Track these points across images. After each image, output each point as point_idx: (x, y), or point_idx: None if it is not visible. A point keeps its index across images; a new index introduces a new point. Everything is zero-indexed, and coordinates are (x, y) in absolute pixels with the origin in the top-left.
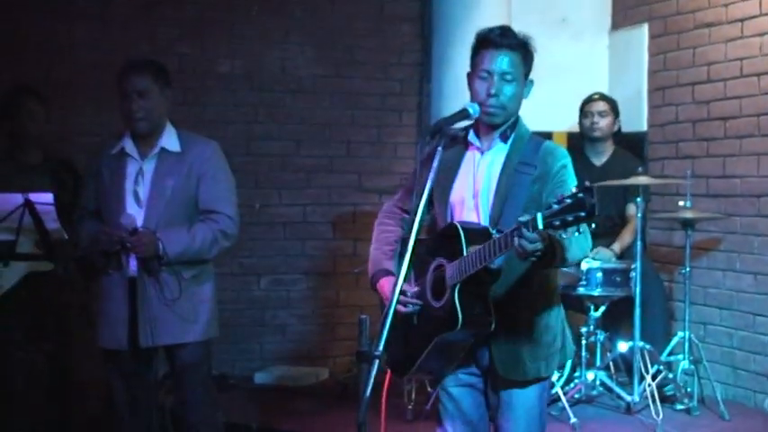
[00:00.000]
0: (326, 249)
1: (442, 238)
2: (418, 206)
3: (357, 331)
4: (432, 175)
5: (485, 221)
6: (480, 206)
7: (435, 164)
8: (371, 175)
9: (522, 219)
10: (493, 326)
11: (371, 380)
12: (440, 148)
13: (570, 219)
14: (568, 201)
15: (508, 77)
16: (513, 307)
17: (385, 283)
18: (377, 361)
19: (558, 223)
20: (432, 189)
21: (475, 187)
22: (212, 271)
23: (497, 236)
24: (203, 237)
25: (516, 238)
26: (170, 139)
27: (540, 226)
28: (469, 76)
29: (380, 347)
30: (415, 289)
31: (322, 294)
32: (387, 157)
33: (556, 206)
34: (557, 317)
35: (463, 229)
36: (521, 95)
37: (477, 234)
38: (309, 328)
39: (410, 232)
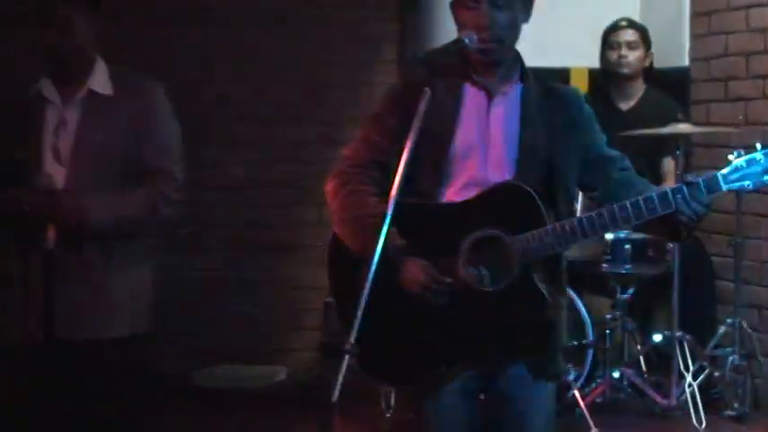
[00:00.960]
0: (288, 218)
1: (484, 203)
2: (400, 161)
3: (323, 319)
4: (416, 123)
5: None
6: (499, 162)
7: (422, 108)
8: (345, 125)
9: (693, 178)
10: (565, 312)
11: (340, 380)
12: (428, 89)
13: (748, 183)
14: (759, 157)
15: (499, 3)
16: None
17: (415, 266)
18: (347, 356)
19: (750, 186)
20: (415, 142)
21: (489, 139)
22: (151, 247)
23: (643, 197)
24: (141, 203)
25: (685, 202)
26: (101, 80)
27: (723, 186)
28: (453, 5)
29: (352, 338)
30: (447, 279)
31: (281, 274)
32: (363, 102)
33: (742, 164)
34: (559, 305)
35: (535, 191)
36: (518, 22)
37: (540, 198)
38: (264, 315)
39: (389, 193)
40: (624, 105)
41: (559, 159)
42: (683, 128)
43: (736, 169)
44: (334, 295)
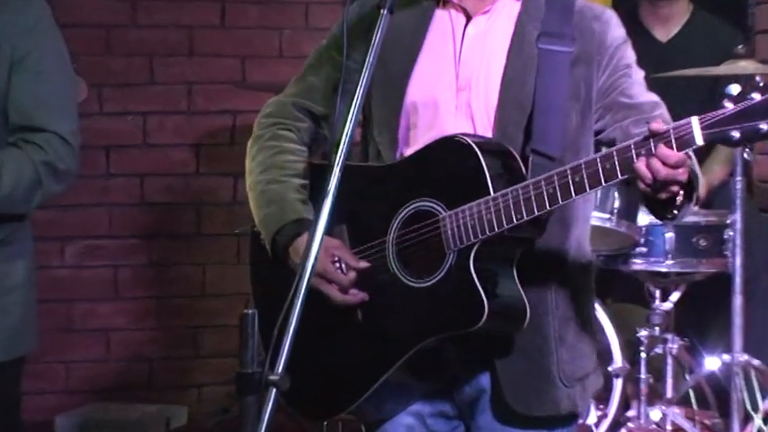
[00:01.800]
0: (183, 193)
1: (420, 165)
2: (349, 110)
3: (238, 339)
4: (372, 55)
5: (484, 134)
6: (475, 109)
7: (378, 37)
8: (262, 62)
9: (653, 126)
10: (527, 318)
11: (265, 424)
12: (385, 11)
13: (764, 129)
14: (764, 94)
15: None
16: (538, 291)
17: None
18: (274, 390)
19: (738, 135)
20: (370, 79)
21: (460, 75)
22: (29, 236)
23: (537, 161)
24: (16, 174)
25: (644, 159)
26: None
27: (700, 140)
28: None
29: (280, 366)
30: (361, 262)
31: (175, 274)
32: (288, 28)
33: (731, 104)
34: (592, 309)
35: (479, 147)
36: None
37: (499, 159)
38: (152, 334)
39: (331, 157)
40: (663, 35)
41: (567, 110)
42: (744, 66)
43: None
44: (258, 306)
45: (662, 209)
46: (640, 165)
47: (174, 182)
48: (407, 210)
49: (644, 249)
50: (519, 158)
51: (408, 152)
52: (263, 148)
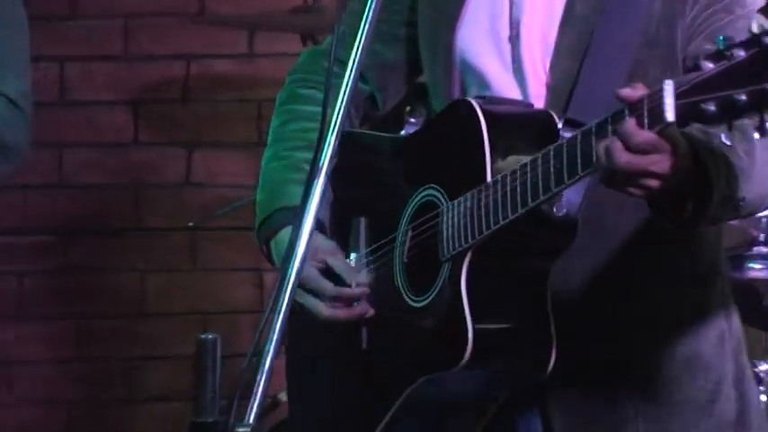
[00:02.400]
0: (117, 171)
1: (429, 139)
2: (353, 63)
3: (193, 375)
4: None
5: (537, 99)
6: (526, 63)
7: None
8: None
9: (624, 91)
10: (552, 361)
11: None
12: None
13: (743, 99)
14: (749, 50)
15: None
16: (612, 316)
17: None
18: None
19: (713, 109)
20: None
21: (511, 22)
22: None
23: (568, 134)
24: None
25: (606, 140)
26: None
27: (670, 115)
28: None
29: (252, 414)
30: (363, 274)
31: (103, 284)
32: None
33: (710, 64)
34: (721, 338)
35: (485, 113)
36: None
37: (516, 129)
38: (70, 368)
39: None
40: None
41: (632, 63)
42: None
43: (704, 75)
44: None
45: (662, 211)
46: (599, 148)
47: (103, 155)
48: (417, 199)
49: (765, 249)
50: (559, 130)
51: None
52: (278, 113)
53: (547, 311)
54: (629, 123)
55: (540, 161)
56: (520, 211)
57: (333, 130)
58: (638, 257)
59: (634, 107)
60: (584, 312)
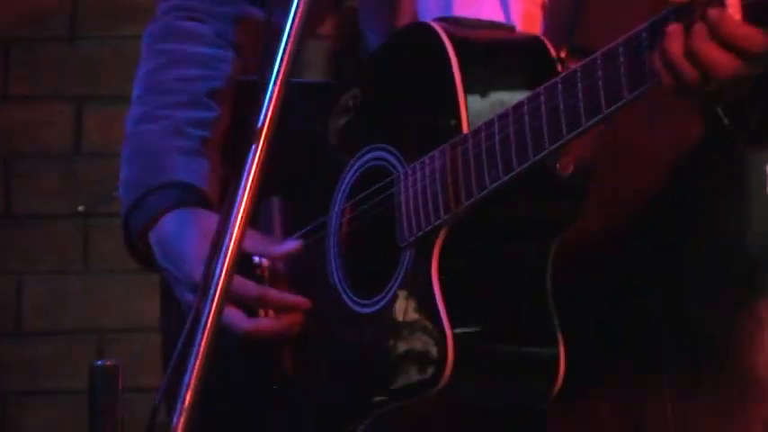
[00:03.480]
0: None
1: (376, 80)
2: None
3: (88, 413)
4: None
5: (528, 22)
6: None
7: None
8: None
9: None
10: (561, 377)
11: None
12: None
13: None
14: None
15: None
16: (623, 315)
17: (179, 236)
18: None
19: None
20: None
21: None
22: None
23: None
24: None
25: (677, 34)
26: None
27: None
28: None
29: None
30: (284, 245)
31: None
32: None
33: None
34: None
35: (454, 41)
36: None
37: (497, 61)
38: None
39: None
40: None
41: None
42: None
43: None
44: (163, 332)
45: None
46: (670, 48)
47: None
48: (356, 167)
49: None
50: (556, 61)
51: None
52: (150, 54)
53: (549, 309)
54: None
55: (544, 98)
56: (516, 168)
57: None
58: (657, 236)
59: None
60: (588, 310)
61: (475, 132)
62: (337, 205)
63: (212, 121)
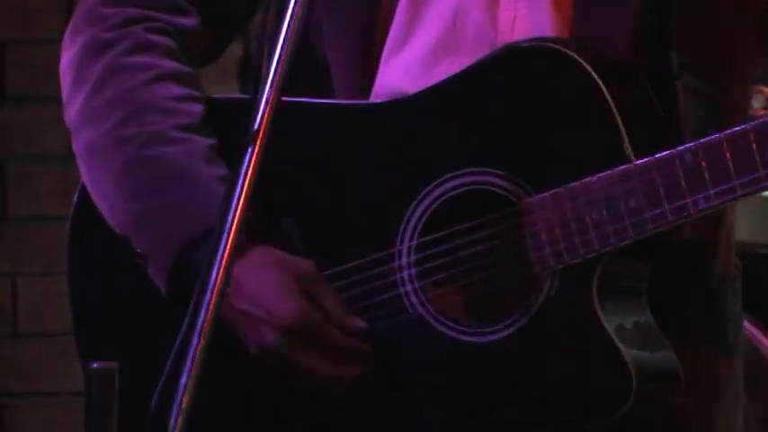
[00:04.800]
0: None
1: (466, 101)
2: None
3: (85, 414)
4: None
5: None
6: None
7: None
8: None
9: None
10: (682, 383)
11: None
12: None
13: None
14: None
15: None
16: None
17: (253, 269)
18: None
19: None
20: None
21: None
22: None
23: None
24: None
25: None
26: None
27: None
28: None
29: None
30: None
31: None
32: None
33: None
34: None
35: (595, 66)
36: None
37: (623, 83)
38: None
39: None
40: None
41: None
42: None
43: None
44: (77, 320)
45: None
46: None
47: None
48: (437, 192)
49: None
50: (643, 80)
51: (396, 67)
52: (120, 69)
53: (650, 317)
54: None
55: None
56: (701, 207)
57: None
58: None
59: None
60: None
61: (663, 163)
62: (411, 236)
63: (216, 146)
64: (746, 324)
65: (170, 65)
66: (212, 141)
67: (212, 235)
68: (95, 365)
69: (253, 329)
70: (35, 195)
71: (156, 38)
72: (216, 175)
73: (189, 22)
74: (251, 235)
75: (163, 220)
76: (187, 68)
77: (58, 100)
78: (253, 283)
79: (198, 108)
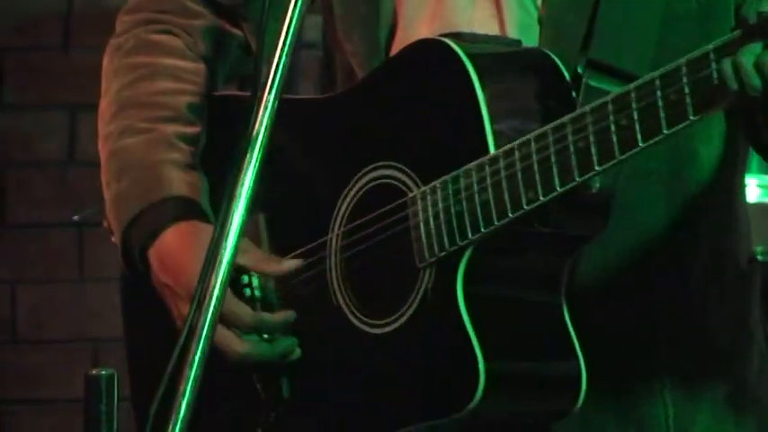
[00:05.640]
0: None
1: (380, 98)
2: None
3: (84, 421)
4: None
5: (521, 34)
6: None
7: None
8: None
9: None
10: (581, 395)
11: None
12: None
13: None
14: None
15: None
16: (633, 339)
17: (180, 250)
18: None
19: None
20: None
21: None
22: None
23: (595, 82)
24: None
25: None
26: None
27: None
28: None
29: None
30: (284, 264)
31: None
32: None
33: None
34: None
35: (470, 57)
36: None
37: (513, 77)
38: None
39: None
40: None
41: None
42: None
43: None
44: (130, 356)
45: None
46: (744, 56)
47: None
48: (361, 183)
49: None
50: (568, 79)
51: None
52: (122, 68)
53: (566, 325)
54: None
55: (591, 116)
56: (558, 189)
57: (268, 99)
58: (666, 253)
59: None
60: (600, 321)
61: (507, 152)
62: (339, 224)
63: (196, 135)
64: None
65: (167, 62)
66: (183, 129)
67: (152, 212)
68: (95, 372)
69: (173, 302)
70: (34, 202)
71: (157, 37)
72: (170, 159)
73: (199, 23)
74: (187, 211)
75: (116, 204)
76: (189, 64)
77: (57, 107)
78: (174, 256)
79: (183, 100)
